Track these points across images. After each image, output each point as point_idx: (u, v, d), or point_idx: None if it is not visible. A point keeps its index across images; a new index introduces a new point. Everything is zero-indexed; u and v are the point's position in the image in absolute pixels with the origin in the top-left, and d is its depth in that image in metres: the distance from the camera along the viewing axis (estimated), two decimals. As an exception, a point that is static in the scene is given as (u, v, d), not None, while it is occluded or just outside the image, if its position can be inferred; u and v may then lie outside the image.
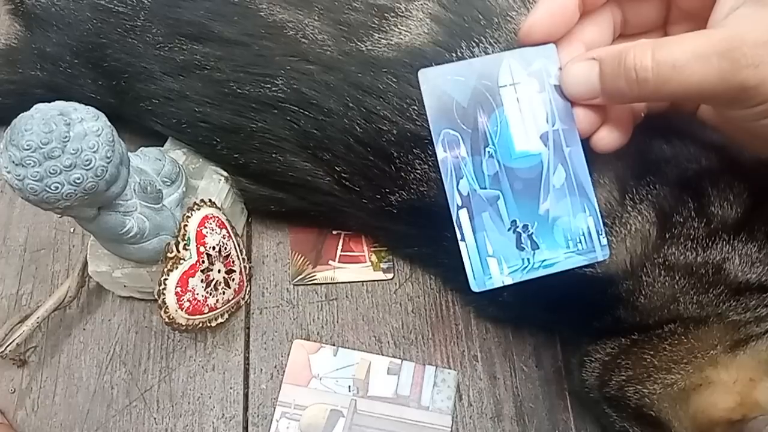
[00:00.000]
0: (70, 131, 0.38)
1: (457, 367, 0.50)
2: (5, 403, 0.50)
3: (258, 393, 0.50)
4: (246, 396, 0.49)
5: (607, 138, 0.34)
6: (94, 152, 0.38)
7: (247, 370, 0.50)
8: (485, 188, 0.32)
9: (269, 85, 0.46)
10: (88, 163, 0.38)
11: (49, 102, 0.39)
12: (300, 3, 0.46)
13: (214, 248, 0.47)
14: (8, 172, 0.38)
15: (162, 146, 0.53)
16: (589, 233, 0.32)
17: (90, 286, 0.53)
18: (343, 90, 0.44)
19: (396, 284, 0.53)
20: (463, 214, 0.31)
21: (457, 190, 0.32)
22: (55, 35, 0.52)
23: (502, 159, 0.32)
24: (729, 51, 0.28)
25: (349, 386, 0.49)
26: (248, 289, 0.53)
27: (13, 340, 0.48)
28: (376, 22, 0.45)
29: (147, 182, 0.45)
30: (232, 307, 0.51)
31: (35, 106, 0.39)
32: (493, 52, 0.44)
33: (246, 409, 0.49)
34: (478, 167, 0.32)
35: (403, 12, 0.45)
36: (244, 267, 0.52)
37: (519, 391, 0.49)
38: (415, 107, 0.43)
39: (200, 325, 0.47)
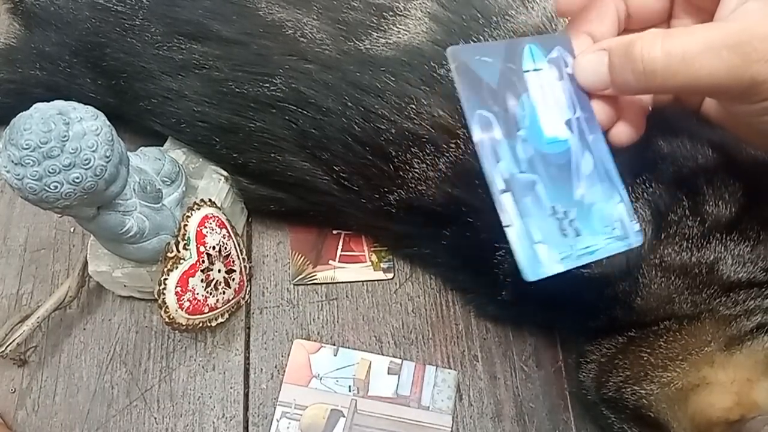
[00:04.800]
0: (69, 130, 0.38)
1: (457, 367, 0.50)
2: (5, 403, 0.50)
3: (258, 393, 0.49)
4: (246, 396, 0.49)
5: (625, 132, 0.33)
6: (93, 151, 0.38)
7: (247, 370, 0.50)
8: (524, 172, 0.30)
9: (268, 85, 0.46)
10: (87, 162, 0.38)
11: (48, 101, 0.39)
12: (299, 2, 0.46)
13: (214, 248, 0.47)
14: (7, 172, 0.38)
15: (162, 146, 0.53)
16: (622, 219, 0.32)
17: (90, 286, 0.53)
18: (342, 89, 0.44)
19: (396, 284, 0.53)
20: (507, 199, 0.29)
21: (499, 173, 0.30)
22: (55, 35, 0.52)
23: (535, 143, 0.31)
24: (739, 45, 0.27)
25: (350, 386, 0.49)
26: (248, 288, 0.53)
27: (14, 340, 0.48)
28: (375, 21, 0.45)
29: (146, 182, 0.45)
30: (232, 307, 0.51)
31: (34, 106, 0.39)
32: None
33: (246, 408, 0.49)
34: (513, 151, 0.30)
35: (401, 11, 0.45)
36: (244, 267, 0.52)
37: (519, 391, 0.49)
38: (414, 106, 0.43)
39: (200, 324, 0.47)
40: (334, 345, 0.51)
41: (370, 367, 0.49)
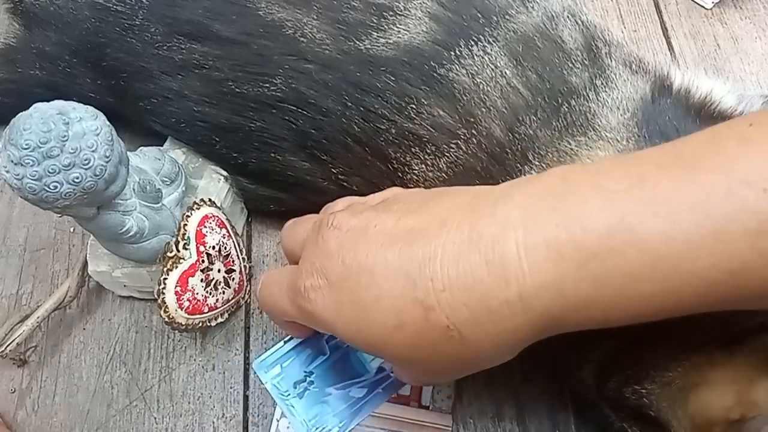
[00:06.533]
0: (69, 130, 0.38)
1: (457, 367, 0.50)
2: (5, 403, 0.50)
3: (258, 393, 0.49)
4: (246, 396, 0.49)
5: None
6: (92, 151, 0.38)
7: (247, 370, 0.50)
8: None
9: (268, 85, 0.46)
10: (86, 162, 0.38)
11: (48, 101, 0.39)
12: (299, 2, 0.46)
13: (213, 248, 0.47)
14: (7, 172, 0.38)
15: (161, 145, 0.53)
16: None
17: (90, 286, 0.53)
18: (342, 89, 0.44)
19: (396, 283, 0.53)
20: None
21: None
22: (54, 34, 0.52)
23: None
24: None
25: (349, 386, 0.49)
26: (248, 288, 0.53)
27: (13, 340, 0.47)
28: (375, 20, 0.45)
29: (146, 181, 0.45)
30: (232, 307, 0.51)
31: (34, 106, 0.38)
32: (491, 50, 0.44)
33: (246, 408, 0.49)
34: None
35: (401, 11, 0.45)
36: (244, 266, 0.52)
37: (519, 391, 0.49)
38: (414, 106, 0.43)
39: (200, 324, 0.47)
40: (334, 345, 0.50)
41: (369, 366, 0.49)
